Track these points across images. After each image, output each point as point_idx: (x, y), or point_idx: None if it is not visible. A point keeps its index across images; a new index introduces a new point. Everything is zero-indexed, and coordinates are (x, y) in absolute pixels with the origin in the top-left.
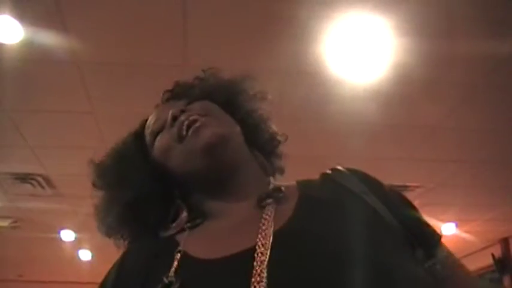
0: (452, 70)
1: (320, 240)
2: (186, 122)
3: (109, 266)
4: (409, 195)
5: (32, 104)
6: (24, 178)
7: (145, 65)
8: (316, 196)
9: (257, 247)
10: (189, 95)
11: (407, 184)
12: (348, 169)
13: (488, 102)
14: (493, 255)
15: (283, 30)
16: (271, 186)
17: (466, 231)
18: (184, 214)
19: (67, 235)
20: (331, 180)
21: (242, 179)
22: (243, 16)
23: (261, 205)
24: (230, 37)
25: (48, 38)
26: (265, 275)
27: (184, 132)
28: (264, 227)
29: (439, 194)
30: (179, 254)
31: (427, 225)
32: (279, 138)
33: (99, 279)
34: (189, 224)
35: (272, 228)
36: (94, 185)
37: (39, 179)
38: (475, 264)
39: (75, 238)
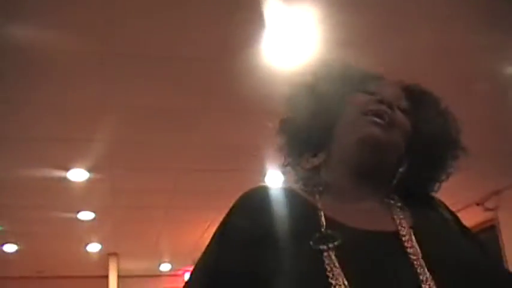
0: None
1: (448, 238)
2: (379, 112)
3: (36, 257)
4: None
5: None
6: None
7: (66, 52)
8: (423, 212)
9: (401, 234)
10: (410, 108)
11: None
12: (437, 198)
13: None
14: None
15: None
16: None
17: None
18: (322, 155)
19: None
20: (425, 201)
21: (378, 178)
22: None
23: (386, 203)
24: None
25: None
26: (420, 254)
27: (371, 116)
28: (399, 219)
29: None
30: (322, 212)
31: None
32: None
33: (26, 273)
34: (320, 188)
35: (406, 221)
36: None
37: None
38: None
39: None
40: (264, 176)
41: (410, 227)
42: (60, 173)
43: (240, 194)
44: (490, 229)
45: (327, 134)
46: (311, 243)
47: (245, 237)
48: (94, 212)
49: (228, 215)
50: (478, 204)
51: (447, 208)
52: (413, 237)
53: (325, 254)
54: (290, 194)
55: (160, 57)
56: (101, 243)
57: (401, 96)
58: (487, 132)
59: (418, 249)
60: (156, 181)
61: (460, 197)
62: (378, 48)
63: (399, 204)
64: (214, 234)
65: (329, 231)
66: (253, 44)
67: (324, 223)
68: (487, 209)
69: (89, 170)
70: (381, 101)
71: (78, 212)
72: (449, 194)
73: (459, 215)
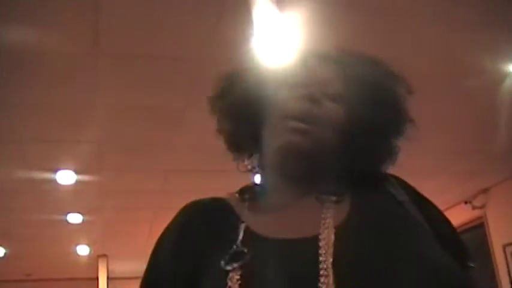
0: None
1: (376, 238)
2: (298, 116)
3: (23, 261)
4: None
5: None
6: None
7: (57, 53)
8: (367, 200)
9: (320, 237)
10: (334, 81)
11: None
12: (391, 175)
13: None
14: None
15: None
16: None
17: None
18: (256, 161)
19: None
20: (378, 185)
21: (317, 181)
22: None
23: (321, 198)
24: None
25: None
26: (330, 260)
27: (289, 121)
28: (325, 220)
29: None
30: (242, 226)
31: (464, 246)
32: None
33: (13, 276)
34: (247, 196)
35: (333, 223)
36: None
37: None
38: None
39: None
40: (254, 177)
41: (336, 227)
42: (48, 175)
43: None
44: (478, 227)
45: (255, 137)
46: (222, 262)
47: (170, 265)
48: (83, 214)
49: (162, 234)
50: (466, 203)
51: (405, 186)
52: (331, 241)
53: (230, 275)
54: (219, 207)
55: (148, 57)
56: (90, 245)
57: (329, 79)
58: (475, 130)
59: (331, 256)
60: (145, 182)
61: (448, 195)
62: (372, 47)
63: (334, 198)
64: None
65: (239, 249)
66: (241, 44)
67: (241, 238)
68: (475, 207)
69: (77, 172)
70: (303, 97)
71: (66, 214)
72: (437, 192)
73: (447, 213)
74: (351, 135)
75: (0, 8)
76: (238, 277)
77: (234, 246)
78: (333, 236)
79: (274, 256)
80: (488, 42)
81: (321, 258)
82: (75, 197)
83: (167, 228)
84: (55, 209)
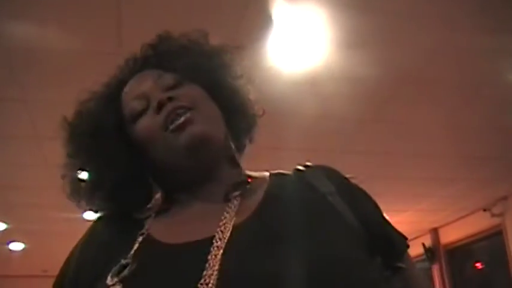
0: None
1: (274, 239)
2: (172, 114)
3: (43, 256)
4: None
5: None
6: None
7: (80, 52)
8: (282, 194)
9: (215, 239)
10: (172, 66)
11: None
12: (319, 166)
13: (417, 97)
14: (423, 245)
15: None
16: (241, 177)
17: (398, 222)
18: (158, 197)
19: None
20: (301, 178)
21: (217, 176)
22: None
23: (227, 197)
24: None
25: None
26: (217, 267)
27: (170, 125)
28: (224, 220)
29: (368, 185)
30: (141, 237)
31: (396, 232)
32: (257, 118)
33: (33, 271)
34: (162, 207)
35: (233, 222)
36: (68, 154)
37: None
38: None
39: (6, 229)
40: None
41: (235, 226)
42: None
43: None
44: (497, 235)
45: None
46: (108, 277)
47: (73, 275)
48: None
49: (76, 244)
50: (484, 210)
51: (332, 177)
52: (223, 244)
53: None
54: (128, 218)
55: None
56: None
57: (158, 77)
58: (495, 137)
59: (218, 261)
60: None
61: (467, 202)
62: (384, 50)
63: (237, 193)
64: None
65: (127, 261)
66: (258, 44)
67: (135, 248)
68: (494, 215)
69: None
70: (158, 107)
71: (83, 211)
72: (456, 199)
73: (466, 220)
74: (223, 109)
75: (25, 7)
76: None
77: (122, 260)
78: (227, 237)
79: (161, 262)
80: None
81: (206, 265)
82: None
83: (80, 239)
84: (73, 206)
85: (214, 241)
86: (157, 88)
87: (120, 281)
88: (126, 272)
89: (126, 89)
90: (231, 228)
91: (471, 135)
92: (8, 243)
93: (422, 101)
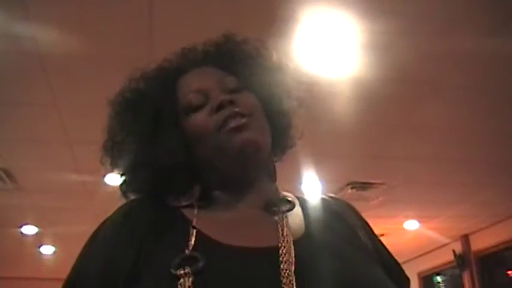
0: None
1: (332, 256)
2: (230, 117)
3: (72, 260)
4: (374, 192)
5: None
6: None
7: (110, 57)
8: (319, 218)
9: (280, 248)
10: (234, 69)
11: (372, 181)
12: (342, 200)
13: (450, 101)
14: (454, 252)
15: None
16: (279, 194)
17: (429, 228)
18: (197, 188)
19: (28, 230)
20: (327, 206)
21: (258, 186)
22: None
23: (271, 210)
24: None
25: (10, 28)
26: (292, 273)
27: (226, 126)
28: (284, 232)
29: (402, 191)
30: (194, 230)
31: (403, 271)
32: (294, 142)
33: (62, 275)
34: (199, 202)
35: (291, 234)
36: (119, 127)
37: (0, 172)
38: (436, 260)
39: (37, 233)
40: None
41: (295, 240)
42: (96, 177)
43: None
44: None
45: (185, 174)
46: (171, 267)
47: (105, 263)
48: None
49: (97, 230)
50: None
51: (355, 212)
52: (292, 253)
53: (181, 280)
54: (166, 206)
55: None
56: None
57: (221, 78)
58: None
59: (293, 267)
60: None
61: (499, 209)
62: (398, 52)
63: (285, 209)
64: (84, 246)
65: (192, 253)
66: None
67: (193, 242)
68: None
69: None
70: (218, 107)
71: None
72: (487, 206)
73: (497, 227)
74: (272, 120)
75: (58, 14)
76: (189, 284)
77: (186, 251)
78: (293, 248)
79: (231, 263)
80: None
81: (282, 266)
82: (121, 199)
83: (103, 224)
84: (102, 209)
85: (281, 249)
86: (219, 88)
87: (192, 274)
88: (195, 265)
89: (187, 80)
90: (291, 243)
91: (504, 140)
92: (39, 247)
93: (455, 106)
